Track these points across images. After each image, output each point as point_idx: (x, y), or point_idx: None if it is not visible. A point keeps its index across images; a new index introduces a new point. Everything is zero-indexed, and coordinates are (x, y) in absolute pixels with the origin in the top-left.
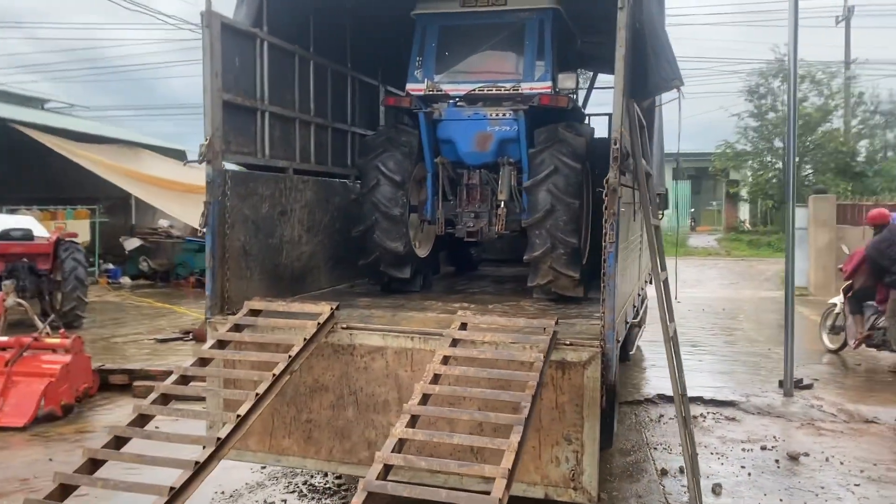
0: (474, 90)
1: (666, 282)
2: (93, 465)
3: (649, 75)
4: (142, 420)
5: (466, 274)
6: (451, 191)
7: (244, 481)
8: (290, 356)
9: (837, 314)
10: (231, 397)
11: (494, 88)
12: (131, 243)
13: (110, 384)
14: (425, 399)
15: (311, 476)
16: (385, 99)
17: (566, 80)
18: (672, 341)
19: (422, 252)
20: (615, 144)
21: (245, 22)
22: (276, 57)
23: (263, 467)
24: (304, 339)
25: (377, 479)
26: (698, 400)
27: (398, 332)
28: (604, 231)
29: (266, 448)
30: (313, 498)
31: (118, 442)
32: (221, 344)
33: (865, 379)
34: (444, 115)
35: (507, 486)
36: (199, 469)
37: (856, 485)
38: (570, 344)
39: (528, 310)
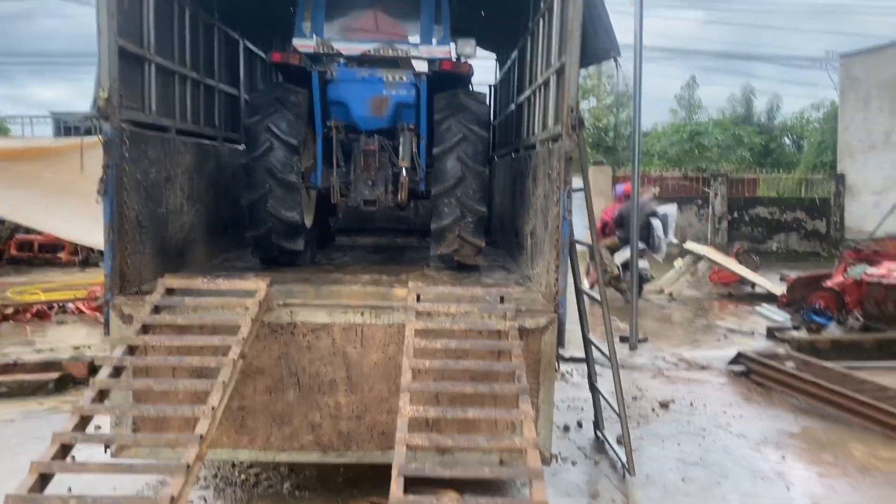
0: (370, 51)
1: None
2: (42, 480)
3: (587, 46)
4: (83, 422)
5: (328, 245)
6: (342, 156)
7: (144, 481)
8: (242, 338)
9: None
10: (196, 388)
11: (391, 50)
12: None
13: None
14: (416, 375)
15: (218, 468)
16: (271, 55)
17: (465, 46)
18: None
19: (309, 221)
20: (572, 112)
21: None
22: (161, 3)
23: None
24: (252, 320)
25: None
26: (559, 358)
27: (346, 307)
28: (557, 200)
29: None
30: (233, 492)
31: (64, 450)
32: (145, 329)
33: (683, 329)
34: (336, 75)
35: (539, 455)
36: (190, 472)
37: (728, 424)
38: (528, 311)
39: (475, 279)
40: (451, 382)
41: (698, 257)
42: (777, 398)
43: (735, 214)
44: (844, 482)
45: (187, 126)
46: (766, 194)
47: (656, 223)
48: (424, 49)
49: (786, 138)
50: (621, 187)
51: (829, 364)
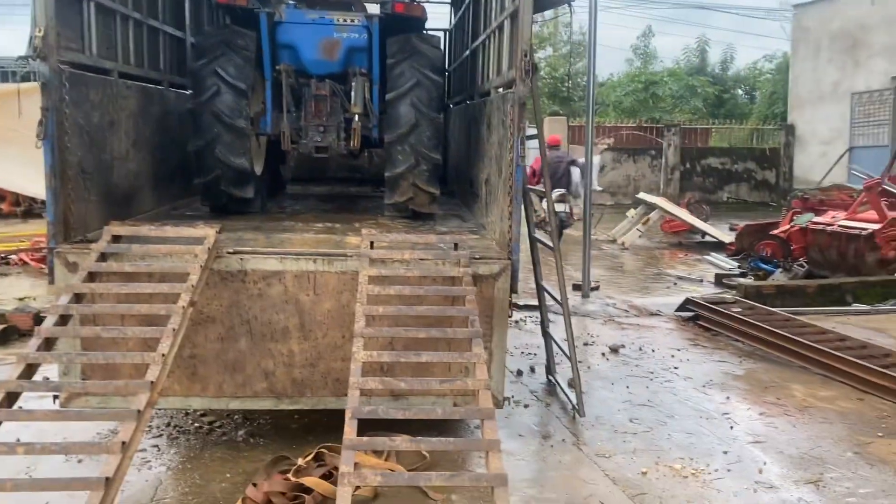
0: None
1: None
2: None
3: None
4: (29, 370)
5: (280, 193)
6: (291, 102)
7: (95, 431)
8: (192, 286)
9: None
10: (145, 335)
11: None
12: None
13: None
14: (370, 321)
15: (171, 417)
16: None
17: None
18: (532, 244)
19: (259, 169)
20: (525, 57)
21: None
22: None
23: None
24: (201, 267)
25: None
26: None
27: (298, 254)
28: (511, 147)
29: None
30: (186, 440)
31: (10, 398)
32: (92, 276)
33: (634, 277)
34: (284, 17)
35: (490, 397)
36: (141, 418)
37: (675, 367)
38: (482, 258)
39: (429, 227)
40: (404, 328)
41: (650, 207)
42: (723, 342)
43: (687, 165)
44: (784, 420)
45: (131, 69)
46: (719, 145)
47: (575, 171)
48: None
49: (739, 89)
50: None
51: (773, 309)
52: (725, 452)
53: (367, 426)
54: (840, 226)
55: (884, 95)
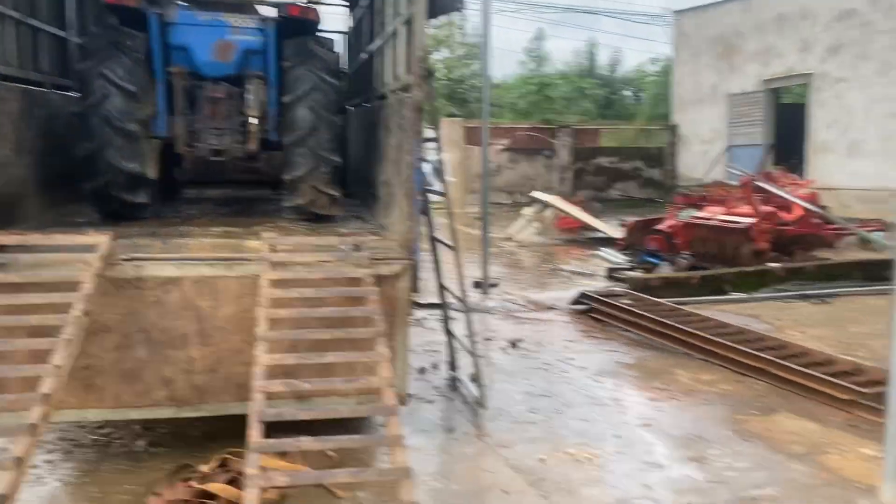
0: None
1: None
2: None
3: None
4: None
5: (175, 198)
6: (185, 104)
7: None
8: (84, 295)
9: None
10: (37, 347)
11: None
12: None
13: None
14: (273, 324)
15: (66, 431)
16: None
17: None
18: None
19: (152, 173)
20: (421, 62)
21: None
22: None
23: None
24: (94, 275)
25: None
26: (415, 304)
27: (197, 260)
28: (409, 150)
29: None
30: (83, 454)
31: None
32: None
33: (531, 273)
34: (176, 18)
35: (393, 394)
36: (34, 431)
37: (571, 358)
38: (383, 258)
39: (330, 229)
40: (307, 330)
41: (545, 206)
42: (614, 333)
43: (580, 164)
44: (671, 404)
45: (10, 70)
46: (609, 145)
47: (425, 167)
48: None
49: (626, 91)
50: None
51: (659, 300)
52: (617, 437)
53: (272, 430)
54: (718, 220)
55: (756, 97)
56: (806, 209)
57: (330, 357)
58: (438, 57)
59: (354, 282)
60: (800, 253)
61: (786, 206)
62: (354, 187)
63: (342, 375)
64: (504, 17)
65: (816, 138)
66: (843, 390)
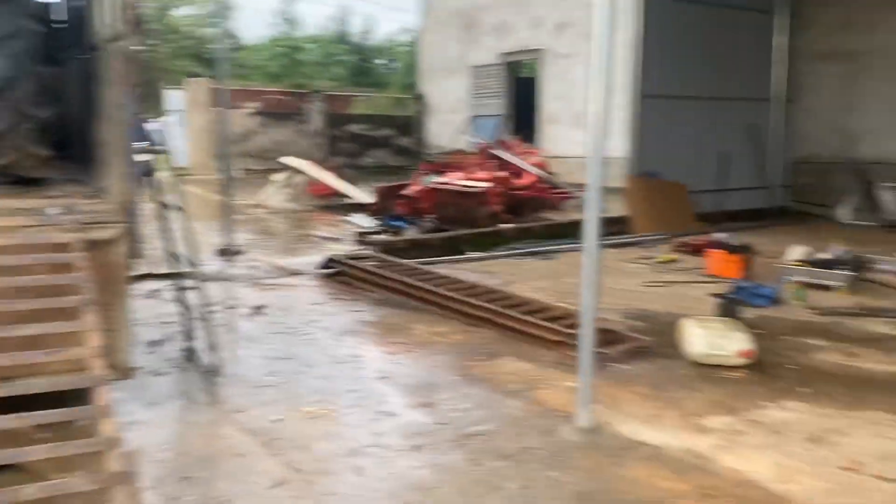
0: None
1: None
2: None
3: None
4: None
5: None
6: None
7: None
8: None
9: None
10: None
11: None
12: None
13: None
14: None
15: None
16: None
17: None
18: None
19: None
20: (132, 9)
21: None
22: None
23: None
24: None
25: None
26: (148, 277)
27: None
28: (124, 105)
29: None
30: None
31: None
32: None
33: (281, 239)
34: None
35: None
36: None
37: (314, 321)
38: (95, 223)
39: (39, 192)
40: (6, 301)
41: (296, 171)
42: (360, 294)
43: (333, 131)
44: (407, 356)
45: None
46: (363, 112)
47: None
48: None
49: (379, 59)
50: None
51: (404, 261)
52: (353, 391)
53: None
54: (458, 185)
55: (495, 70)
56: (536, 175)
57: (31, 329)
58: (182, 13)
59: (61, 248)
60: (530, 214)
61: (518, 171)
62: (76, 147)
63: (48, 348)
64: None
65: (546, 110)
66: (554, 333)
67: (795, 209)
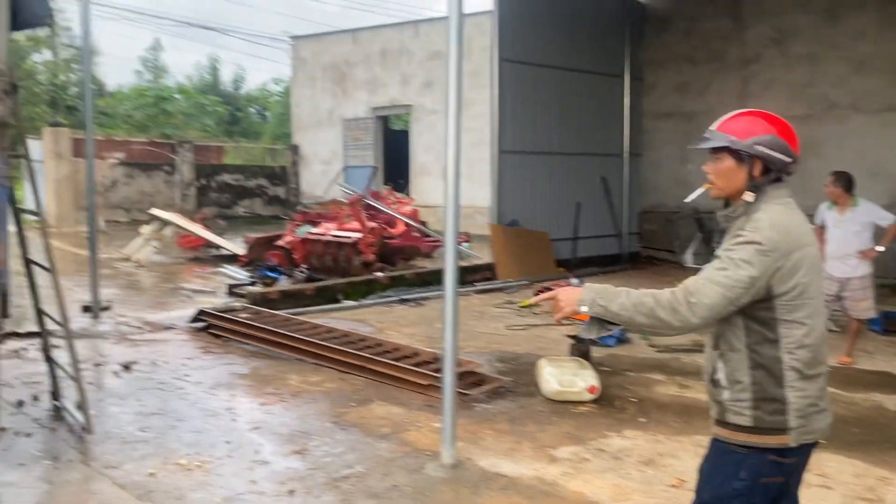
0: None
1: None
2: None
3: (19, 9)
4: None
5: None
6: None
7: None
8: None
9: None
10: None
11: None
12: None
13: None
14: None
15: None
16: None
17: None
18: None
19: None
20: (3, 76)
21: None
22: None
23: None
24: None
25: None
26: (11, 335)
27: None
28: None
29: None
30: None
31: None
32: None
33: (149, 294)
34: None
35: None
36: None
37: (186, 375)
38: None
39: None
40: None
41: (165, 223)
42: (233, 347)
43: (203, 181)
44: (280, 406)
45: None
46: (234, 162)
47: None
48: None
49: (251, 109)
50: None
51: (277, 312)
52: (228, 442)
53: None
54: (332, 235)
55: (367, 122)
56: (407, 224)
57: None
58: (39, 59)
59: None
60: (402, 262)
61: (391, 221)
62: None
63: None
64: (118, 23)
65: (417, 161)
66: (422, 377)
67: (644, 254)
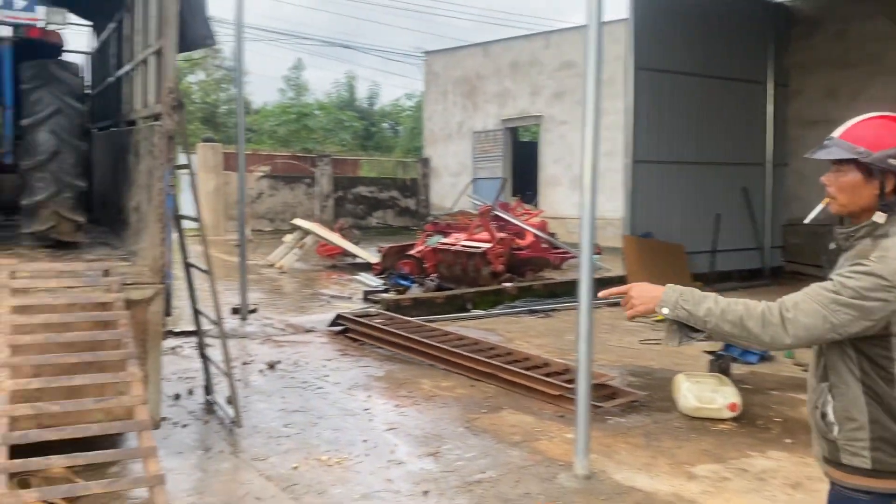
0: None
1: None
2: None
3: (185, 32)
4: None
5: None
6: None
7: None
8: None
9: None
10: None
11: None
12: None
13: None
14: (16, 351)
15: None
16: None
17: (54, 15)
18: (187, 270)
19: None
20: (171, 94)
21: None
22: None
23: None
24: None
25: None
26: (168, 334)
27: None
28: (160, 176)
29: None
30: None
31: None
32: None
33: (291, 298)
34: None
35: (146, 411)
36: None
37: (326, 376)
38: (134, 283)
39: (75, 255)
40: (54, 355)
41: (306, 232)
42: (368, 350)
43: (340, 193)
44: (414, 409)
45: None
46: (368, 175)
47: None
48: (7, 14)
49: (385, 123)
50: None
51: (409, 318)
52: (365, 441)
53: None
54: (461, 245)
55: (497, 134)
56: (536, 235)
57: (79, 379)
58: (193, 80)
59: (103, 306)
60: (530, 273)
61: (519, 232)
62: (100, 213)
63: (94, 396)
64: (264, 44)
65: (546, 172)
66: (554, 387)
67: (789, 269)
